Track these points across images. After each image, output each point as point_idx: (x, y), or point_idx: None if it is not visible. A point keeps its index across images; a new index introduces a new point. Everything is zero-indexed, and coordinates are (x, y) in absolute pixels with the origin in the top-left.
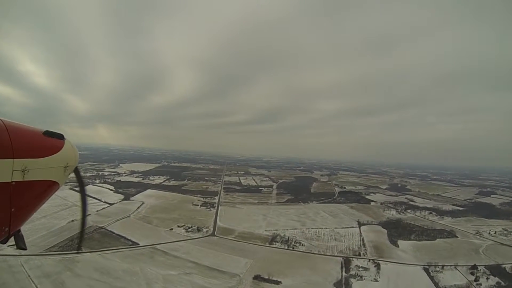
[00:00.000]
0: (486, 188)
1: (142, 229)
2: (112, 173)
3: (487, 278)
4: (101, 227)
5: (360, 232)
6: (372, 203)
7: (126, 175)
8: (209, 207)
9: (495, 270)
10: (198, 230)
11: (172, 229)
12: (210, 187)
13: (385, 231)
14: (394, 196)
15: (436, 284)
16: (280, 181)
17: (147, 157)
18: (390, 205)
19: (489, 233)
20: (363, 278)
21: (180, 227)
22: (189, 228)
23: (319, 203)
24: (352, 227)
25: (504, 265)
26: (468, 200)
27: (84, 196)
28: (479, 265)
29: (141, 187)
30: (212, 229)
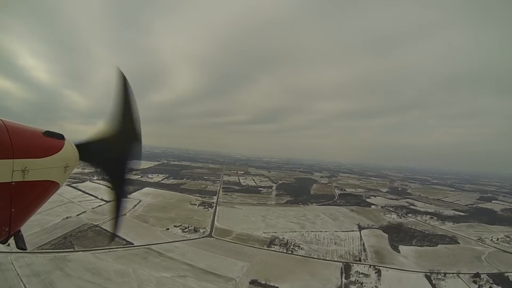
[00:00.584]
0: (487, 193)
1: (138, 228)
2: None
3: (490, 287)
4: (96, 225)
5: (361, 236)
6: (372, 207)
7: None
8: (207, 207)
9: (498, 278)
10: (195, 230)
11: (168, 229)
12: (209, 186)
13: (386, 235)
14: (394, 199)
15: None
16: (280, 182)
17: (146, 155)
18: (391, 209)
19: (491, 239)
20: (364, 285)
21: (177, 227)
22: (186, 228)
23: (319, 205)
24: (353, 230)
25: (507, 274)
26: (469, 205)
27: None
28: (482, 273)
29: (139, 185)
30: (209, 230)
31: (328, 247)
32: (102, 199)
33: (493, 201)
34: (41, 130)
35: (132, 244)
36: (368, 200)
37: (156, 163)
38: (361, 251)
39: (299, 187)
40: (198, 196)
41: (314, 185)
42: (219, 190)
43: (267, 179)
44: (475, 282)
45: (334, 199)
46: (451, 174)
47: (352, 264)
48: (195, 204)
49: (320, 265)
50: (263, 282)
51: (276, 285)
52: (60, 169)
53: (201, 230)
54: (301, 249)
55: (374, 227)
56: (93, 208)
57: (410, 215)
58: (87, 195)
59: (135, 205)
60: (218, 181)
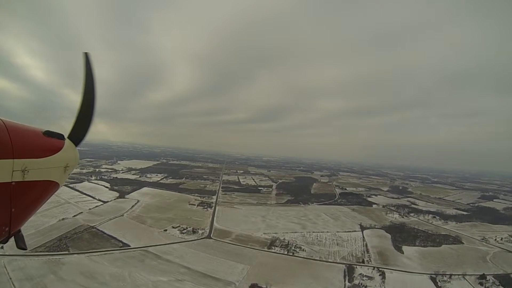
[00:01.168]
0: (488, 192)
1: (135, 230)
2: (109, 170)
3: None
4: (92, 227)
5: (363, 237)
6: (374, 206)
7: (123, 172)
8: (206, 207)
9: (504, 279)
10: (194, 231)
11: (166, 230)
12: (208, 186)
13: (389, 235)
14: (396, 198)
15: None
16: (280, 181)
17: (146, 154)
18: (393, 208)
19: (495, 239)
20: None
21: (175, 228)
22: (184, 229)
23: (319, 204)
24: (355, 231)
25: None
26: (471, 204)
27: None
28: (488, 275)
29: (138, 184)
30: (208, 231)
31: (330, 248)
32: (99, 200)
33: (494, 200)
34: (41, 130)
35: (129, 246)
36: (369, 199)
37: (155, 162)
38: (364, 252)
39: (300, 186)
40: (197, 195)
41: (315, 184)
42: (219, 190)
43: (267, 178)
44: (481, 284)
45: (335, 199)
46: (451, 173)
47: (355, 266)
48: (194, 204)
49: (322, 267)
50: (264, 286)
51: None
52: (60, 169)
53: (200, 231)
54: (303, 250)
55: (376, 227)
56: (90, 209)
57: (412, 214)
58: (84, 195)
59: (133, 206)
60: (218, 181)
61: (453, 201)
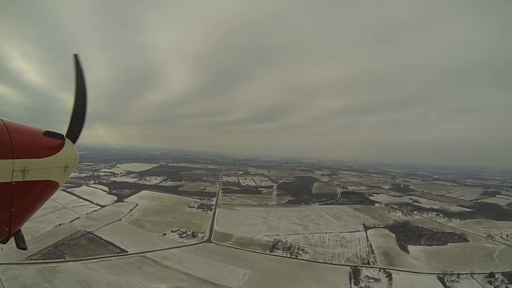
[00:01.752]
0: (490, 188)
1: (133, 234)
2: (108, 174)
3: (506, 287)
4: (89, 232)
5: (367, 237)
6: (376, 204)
7: (122, 176)
8: (206, 209)
9: None
10: (193, 235)
11: (165, 234)
12: (208, 187)
13: (393, 235)
14: (398, 196)
15: None
16: (280, 181)
17: (146, 157)
18: (395, 206)
19: (501, 236)
20: None
21: (174, 232)
22: (183, 233)
23: (321, 204)
24: (358, 231)
25: None
26: (474, 201)
27: None
28: (496, 273)
29: (136, 188)
30: (208, 234)
31: (334, 249)
32: (97, 204)
33: (497, 196)
34: (41, 130)
35: (126, 252)
36: (371, 198)
37: (155, 165)
38: (369, 253)
39: (300, 186)
40: (196, 198)
41: (315, 183)
42: (219, 191)
43: (267, 178)
44: (490, 282)
45: (337, 198)
46: (452, 169)
47: (360, 268)
48: (194, 207)
49: (326, 270)
50: None
51: None
52: (60, 169)
53: (200, 235)
54: (306, 252)
55: (380, 226)
56: (87, 214)
57: (415, 212)
58: (82, 200)
59: (131, 210)
60: (217, 182)
61: (455, 198)
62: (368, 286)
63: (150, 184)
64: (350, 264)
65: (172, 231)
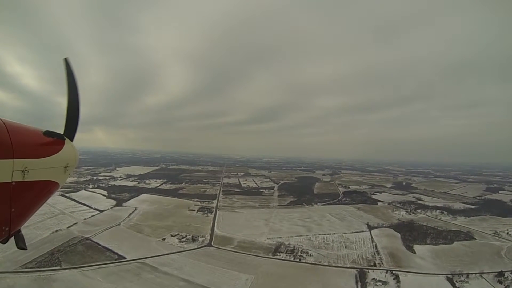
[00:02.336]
0: (492, 184)
1: (132, 240)
2: (107, 177)
3: None
4: (87, 238)
5: (372, 237)
6: (379, 203)
7: (121, 179)
8: (206, 212)
9: None
10: (194, 239)
11: (164, 239)
12: (208, 190)
13: (398, 234)
14: (400, 195)
15: None
16: (281, 182)
17: (145, 160)
18: (399, 205)
19: (507, 233)
20: None
21: (174, 236)
22: (183, 237)
23: (323, 204)
24: (362, 231)
25: None
26: (478, 197)
27: None
28: (506, 271)
29: (136, 191)
30: (208, 238)
31: (339, 251)
32: (95, 209)
33: (500, 192)
34: (41, 130)
35: (125, 258)
36: (373, 197)
37: (155, 168)
38: (374, 254)
39: (302, 187)
40: (197, 200)
41: (317, 183)
42: (219, 194)
43: (268, 179)
44: (500, 282)
45: (339, 198)
46: (453, 166)
47: (367, 270)
48: (194, 210)
49: (332, 273)
50: None
51: None
52: (60, 169)
53: (200, 239)
54: (310, 255)
55: (384, 226)
56: (85, 219)
57: (419, 211)
58: (80, 205)
59: (130, 214)
60: (218, 184)
61: (458, 195)
62: None
63: (149, 187)
64: (356, 266)
65: (171, 236)
